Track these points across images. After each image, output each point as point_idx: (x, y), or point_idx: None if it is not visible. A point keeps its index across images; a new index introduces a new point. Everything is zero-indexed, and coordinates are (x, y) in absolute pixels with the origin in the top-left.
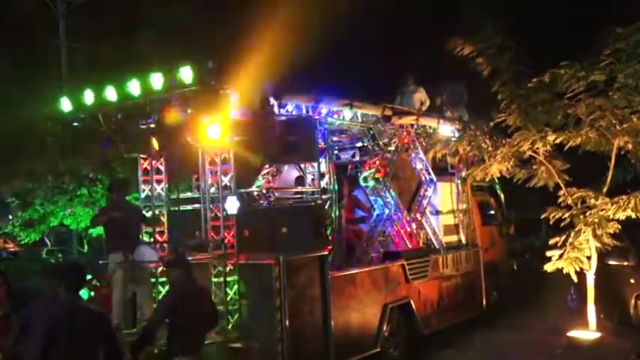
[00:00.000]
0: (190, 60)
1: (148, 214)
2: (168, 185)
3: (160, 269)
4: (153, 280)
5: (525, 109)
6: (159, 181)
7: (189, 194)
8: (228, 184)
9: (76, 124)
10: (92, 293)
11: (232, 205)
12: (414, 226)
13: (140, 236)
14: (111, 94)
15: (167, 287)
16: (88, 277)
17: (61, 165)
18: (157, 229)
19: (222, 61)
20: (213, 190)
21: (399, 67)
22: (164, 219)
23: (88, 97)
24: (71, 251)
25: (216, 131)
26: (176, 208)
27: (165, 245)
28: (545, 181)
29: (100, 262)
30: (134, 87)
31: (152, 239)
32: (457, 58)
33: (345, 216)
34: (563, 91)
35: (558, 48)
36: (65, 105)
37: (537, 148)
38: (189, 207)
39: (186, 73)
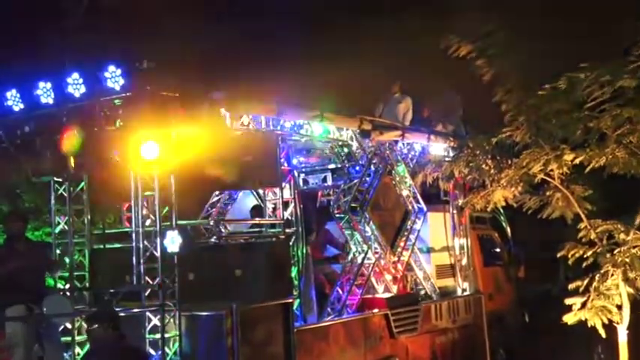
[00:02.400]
0: (121, 58)
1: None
2: (91, 217)
3: (77, 325)
4: (67, 339)
5: (536, 122)
6: (78, 212)
7: (117, 228)
8: (167, 215)
9: None
10: None
11: (173, 241)
12: (399, 267)
13: (49, 283)
14: (14, 100)
15: (87, 348)
16: None
17: None
18: (75, 273)
19: (160, 60)
20: (148, 222)
21: (382, 71)
22: (85, 260)
23: None
24: None
25: (153, 149)
26: (101, 246)
27: (85, 294)
28: (561, 211)
29: None
30: (46, 92)
31: (68, 286)
32: (452, 60)
33: (314, 254)
34: (584, 99)
35: (577, 47)
36: None
37: (551, 170)
38: (117, 244)
39: (114, 75)
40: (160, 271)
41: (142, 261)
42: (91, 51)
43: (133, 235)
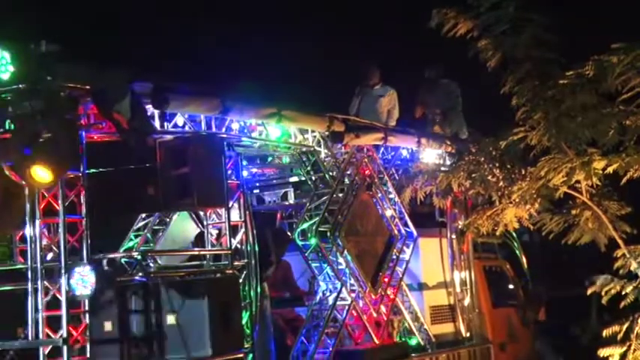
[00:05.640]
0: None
1: None
2: None
3: None
4: None
5: (557, 120)
6: None
7: (7, 265)
8: (76, 245)
9: None
10: None
11: (83, 280)
12: (383, 309)
13: None
14: None
15: None
16: None
17: None
18: None
19: (67, 43)
20: (50, 256)
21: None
22: None
23: None
24: None
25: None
26: None
27: None
28: (592, 235)
29: None
30: None
31: None
32: (448, 40)
33: (272, 293)
34: (617, 90)
35: (609, 22)
36: None
37: (577, 182)
38: (6, 287)
39: (2, 61)
40: (66, 321)
41: (40, 307)
42: None
43: (29, 273)
